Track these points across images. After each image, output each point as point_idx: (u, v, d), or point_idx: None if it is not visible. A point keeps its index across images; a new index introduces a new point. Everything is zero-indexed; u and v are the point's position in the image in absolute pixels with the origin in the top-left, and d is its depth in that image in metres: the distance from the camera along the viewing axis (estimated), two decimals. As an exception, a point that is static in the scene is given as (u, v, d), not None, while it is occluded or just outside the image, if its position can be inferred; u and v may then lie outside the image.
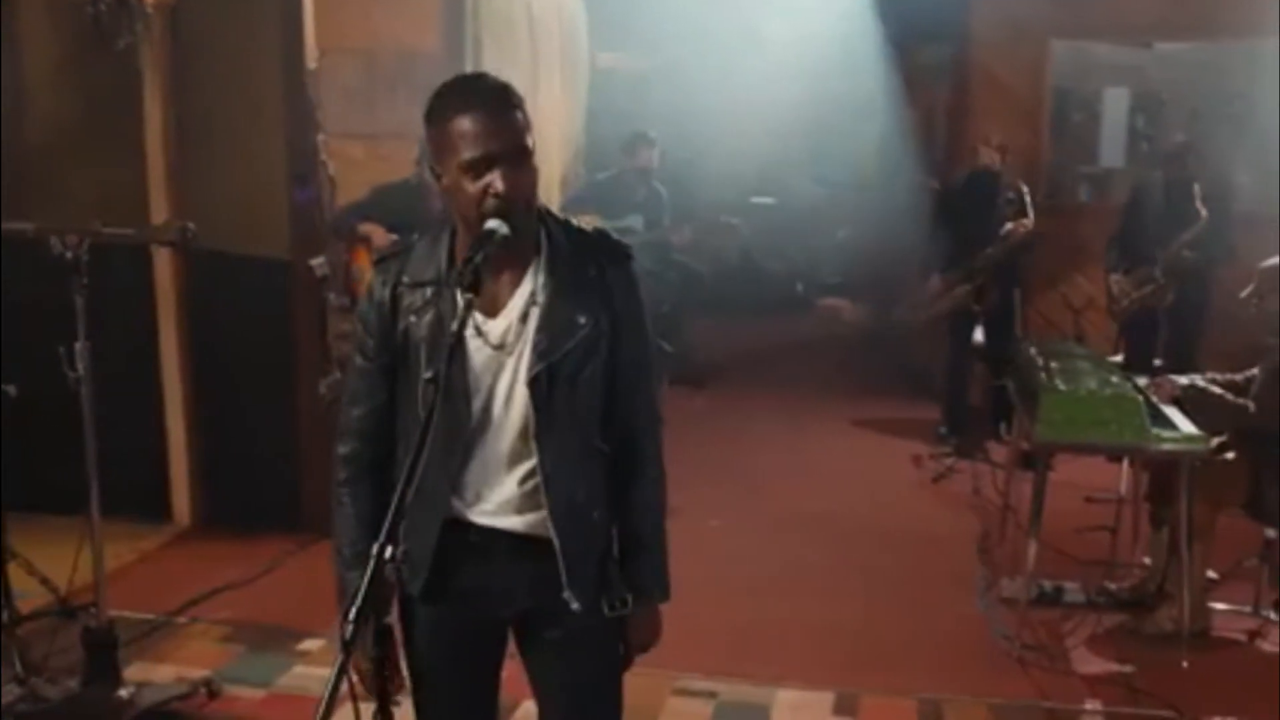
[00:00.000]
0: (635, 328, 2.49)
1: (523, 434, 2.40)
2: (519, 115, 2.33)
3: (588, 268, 2.43)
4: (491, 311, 2.39)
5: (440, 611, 2.50)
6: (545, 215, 2.46)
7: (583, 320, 2.39)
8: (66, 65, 5.62)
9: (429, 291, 2.40)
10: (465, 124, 2.29)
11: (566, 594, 2.43)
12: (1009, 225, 7.25)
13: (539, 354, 2.36)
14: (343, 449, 2.52)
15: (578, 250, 2.44)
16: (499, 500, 2.43)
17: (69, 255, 3.85)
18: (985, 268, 7.34)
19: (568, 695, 2.60)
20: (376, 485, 2.48)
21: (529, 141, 2.33)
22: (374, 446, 2.49)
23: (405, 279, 2.42)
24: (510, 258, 2.37)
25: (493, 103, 2.32)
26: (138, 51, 5.52)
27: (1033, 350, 5.42)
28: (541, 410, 2.37)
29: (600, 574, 2.51)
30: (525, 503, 2.43)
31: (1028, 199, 7.28)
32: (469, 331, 2.36)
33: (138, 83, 5.59)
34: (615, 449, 2.52)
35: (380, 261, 2.51)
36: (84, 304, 3.89)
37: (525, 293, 2.39)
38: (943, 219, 7.82)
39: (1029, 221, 7.23)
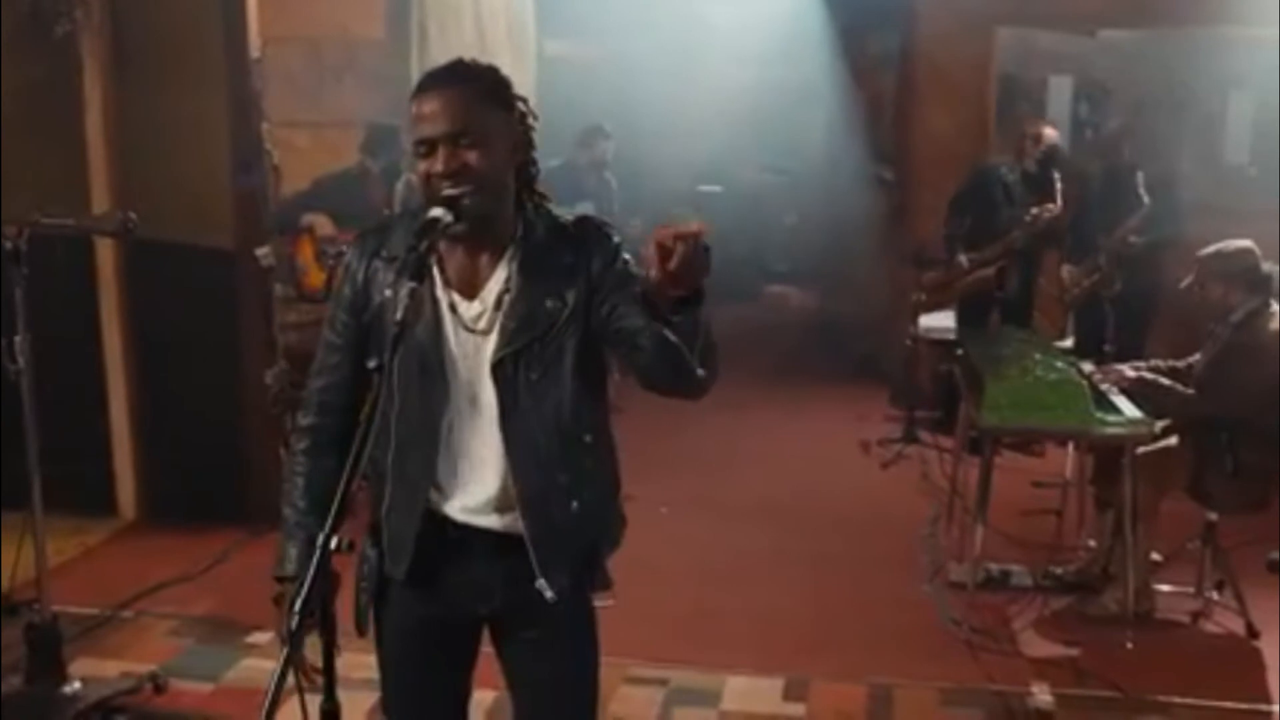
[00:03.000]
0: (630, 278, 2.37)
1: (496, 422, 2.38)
2: (466, 96, 2.30)
3: (563, 255, 2.38)
4: (469, 294, 2.38)
5: (416, 605, 2.49)
6: (527, 204, 2.42)
7: (550, 305, 2.36)
8: (4, 53, 5.52)
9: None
10: (415, 109, 2.31)
11: (540, 582, 2.40)
12: (1034, 210, 7.18)
13: (504, 340, 2.35)
14: (304, 420, 2.50)
15: (554, 238, 2.40)
16: (481, 499, 2.41)
17: (8, 246, 3.80)
18: (1009, 251, 7.25)
19: (543, 692, 2.59)
20: (334, 460, 2.40)
21: (476, 122, 2.28)
22: (336, 420, 2.44)
23: (384, 253, 2.40)
24: (486, 240, 2.36)
25: (434, 86, 2.31)
26: (77, 39, 5.44)
27: (979, 336, 5.47)
28: (507, 396, 2.36)
29: (581, 563, 2.49)
30: (504, 500, 2.40)
31: (1058, 184, 7.19)
32: (445, 312, 2.36)
33: (78, 71, 5.51)
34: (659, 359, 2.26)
35: (360, 236, 2.49)
36: (24, 295, 3.84)
37: (501, 278, 2.37)
38: (993, 203, 7.47)
39: (1054, 206, 7.12)
